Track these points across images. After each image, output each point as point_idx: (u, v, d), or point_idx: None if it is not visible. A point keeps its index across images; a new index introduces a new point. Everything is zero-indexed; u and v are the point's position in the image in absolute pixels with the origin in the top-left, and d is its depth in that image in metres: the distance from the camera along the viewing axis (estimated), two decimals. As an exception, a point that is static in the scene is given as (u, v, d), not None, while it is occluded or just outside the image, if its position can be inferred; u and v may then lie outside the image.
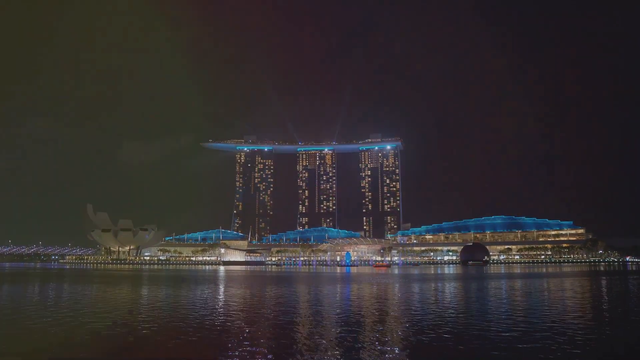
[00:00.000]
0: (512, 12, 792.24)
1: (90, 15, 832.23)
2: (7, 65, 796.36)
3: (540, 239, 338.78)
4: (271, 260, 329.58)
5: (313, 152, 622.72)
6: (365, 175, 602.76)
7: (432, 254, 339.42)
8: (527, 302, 44.63)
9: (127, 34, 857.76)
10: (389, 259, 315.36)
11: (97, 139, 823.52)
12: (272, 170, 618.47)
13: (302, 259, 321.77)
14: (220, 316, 33.61)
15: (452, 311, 36.82)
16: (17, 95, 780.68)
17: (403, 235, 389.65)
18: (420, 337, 25.29)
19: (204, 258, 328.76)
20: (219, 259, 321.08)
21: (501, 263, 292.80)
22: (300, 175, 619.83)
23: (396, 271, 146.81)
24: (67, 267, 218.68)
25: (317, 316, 33.86)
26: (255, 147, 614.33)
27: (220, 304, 42.89)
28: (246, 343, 23.67)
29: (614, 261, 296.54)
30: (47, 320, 30.94)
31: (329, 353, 21.52)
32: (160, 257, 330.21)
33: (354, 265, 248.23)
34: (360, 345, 23.39)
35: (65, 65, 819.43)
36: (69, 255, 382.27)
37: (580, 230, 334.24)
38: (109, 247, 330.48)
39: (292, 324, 29.99)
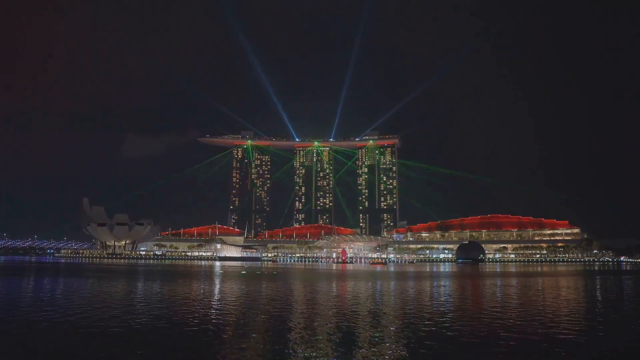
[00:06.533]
0: (510, 13, 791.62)
1: (94, 11, 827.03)
2: (11, 58, 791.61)
3: (536, 238, 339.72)
4: (267, 256, 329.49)
5: (310, 148, 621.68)
6: (362, 172, 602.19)
7: (428, 251, 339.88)
8: (517, 300, 44.80)
9: (128, 30, 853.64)
10: (385, 256, 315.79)
11: (94, 133, 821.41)
12: (269, 167, 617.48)
13: (298, 255, 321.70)
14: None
15: (443, 308, 37.01)
16: (20, 89, 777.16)
17: (399, 232, 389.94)
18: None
19: (200, 253, 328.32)
20: (215, 254, 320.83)
21: (497, 262, 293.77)
22: (297, 171, 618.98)
23: (392, 269, 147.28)
24: (63, 260, 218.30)
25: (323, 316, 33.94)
26: (253, 143, 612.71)
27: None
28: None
29: (608, 261, 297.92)
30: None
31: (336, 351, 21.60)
32: (156, 252, 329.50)
33: (350, 262, 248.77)
34: (360, 341, 23.50)
35: (67, 61, 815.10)
36: (65, 249, 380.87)
37: (576, 230, 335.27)
38: (105, 242, 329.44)
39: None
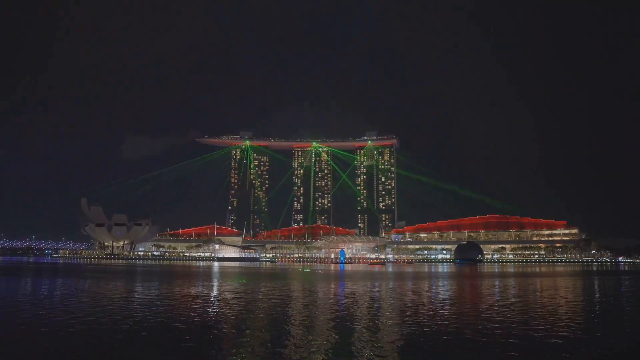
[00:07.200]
0: (510, 13, 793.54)
1: (95, 11, 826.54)
2: (11, 58, 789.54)
3: (534, 239, 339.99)
4: (265, 256, 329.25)
5: (309, 149, 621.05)
6: (360, 172, 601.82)
7: (426, 252, 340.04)
8: (511, 301, 44.89)
9: (129, 30, 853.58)
10: (383, 256, 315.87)
11: (94, 133, 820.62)
12: (267, 167, 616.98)
13: (296, 255, 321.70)
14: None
15: (440, 309, 37.06)
16: (20, 89, 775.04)
17: (398, 233, 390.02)
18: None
19: (198, 254, 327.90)
20: (213, 255, 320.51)
21: (495, 262, 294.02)
22: (296, 172, 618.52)
23: (390, 269, 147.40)
24: (61, 261, 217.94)
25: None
26: (251, 144, 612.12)
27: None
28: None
29: (606, 261, 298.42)
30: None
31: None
32: (155, 253, 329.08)
33: (348, 263, 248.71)
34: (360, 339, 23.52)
35: (67, 61, 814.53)
36: (63, 249, 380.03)
37: (574, 230, 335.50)
38: (103, 242, 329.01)
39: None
